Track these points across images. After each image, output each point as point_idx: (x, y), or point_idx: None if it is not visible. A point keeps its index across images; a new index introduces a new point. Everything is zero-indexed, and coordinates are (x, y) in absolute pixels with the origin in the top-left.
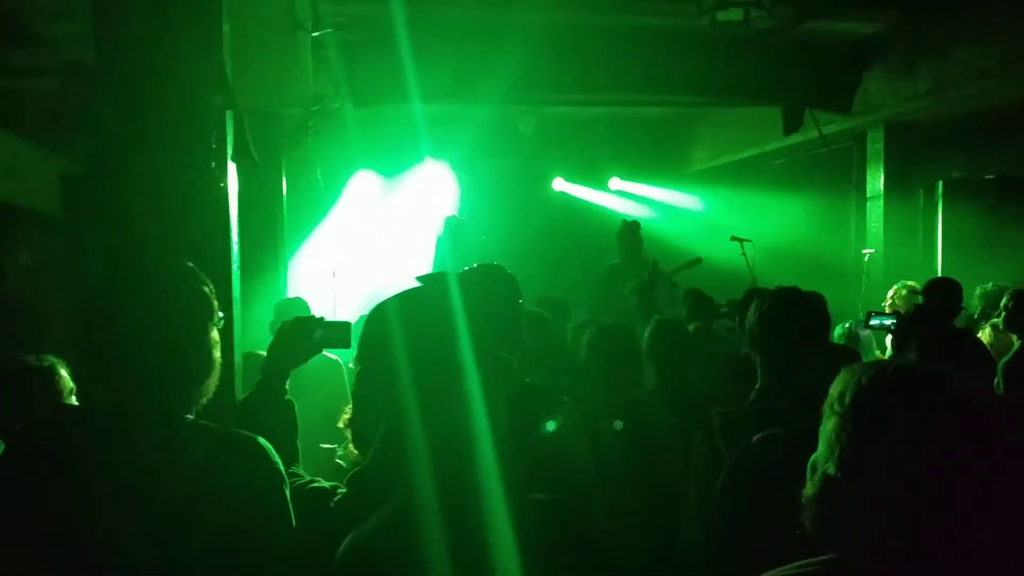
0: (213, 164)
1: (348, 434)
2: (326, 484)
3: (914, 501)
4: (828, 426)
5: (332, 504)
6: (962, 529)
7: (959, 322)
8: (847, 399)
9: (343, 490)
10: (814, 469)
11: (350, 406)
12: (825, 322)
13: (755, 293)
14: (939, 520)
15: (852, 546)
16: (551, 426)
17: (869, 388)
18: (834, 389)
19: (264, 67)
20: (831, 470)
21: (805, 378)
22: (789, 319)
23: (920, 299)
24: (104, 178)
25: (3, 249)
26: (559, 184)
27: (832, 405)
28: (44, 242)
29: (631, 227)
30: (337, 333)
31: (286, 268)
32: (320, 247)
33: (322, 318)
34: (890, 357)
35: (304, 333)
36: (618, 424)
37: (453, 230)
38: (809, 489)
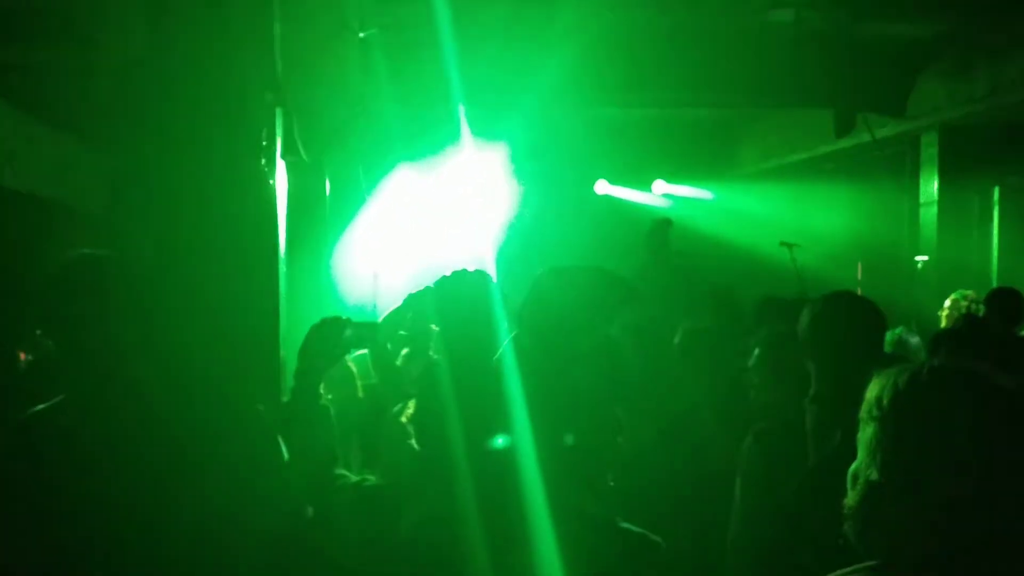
0: (263, 161)
1: (411, 429)
2: (379, 481)
3: (959, 502)
4: (867, 432)
5: (391, 499)
6: (1010, 531)
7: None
8: (885, 402)
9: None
10: (855, 478)
11: (413, 402)
12: (881, 327)
13: (769, 303)
14: (985, 521)
15: (896, 551)
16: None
17: (907, 389)
18: (870, 394)
19: (311, 67)
20: (874, 476)
21: (861, 385)
22: (844, 323)
23: (981, 308)
24: (154, 175)
25: (48, 247)
26: (602, 187)
27: (870, 411)
28: (90, 240)
29: (662, 225)
30: (366, 332)
31: (328, 268)
32: (362, 246)
33: (349, 318)
34: None
35: (333, 334)
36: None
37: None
38: (851, 499)
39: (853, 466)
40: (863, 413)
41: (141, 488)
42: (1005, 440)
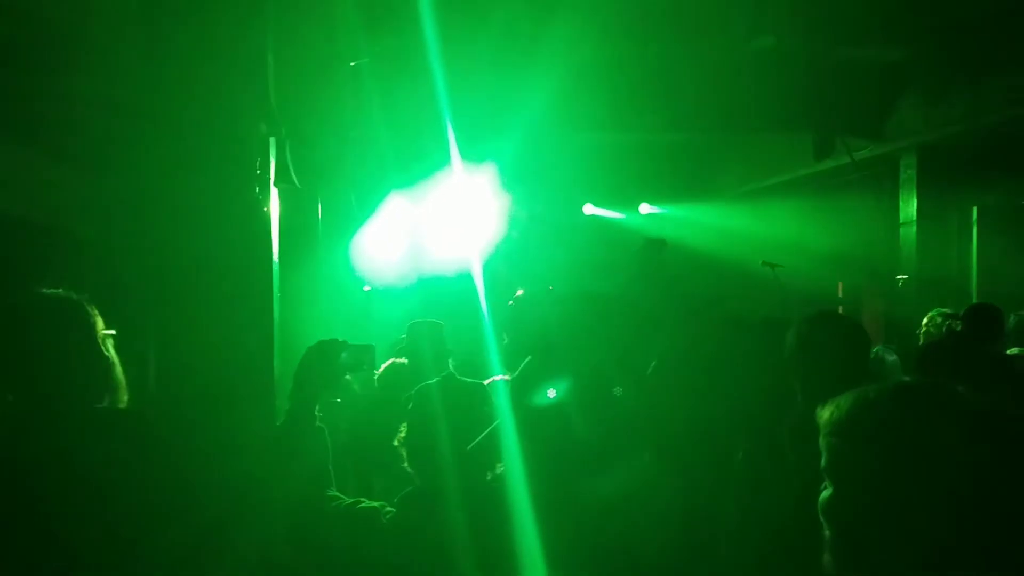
0: (257, 189)
1: (404, 452)
2: (374, 504)
3: (929, 521)
4: (840, 458)
5: (384, 523)
6: (980, 549)
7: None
8: (849, 422)
9: (391, 509)
10: (828, 512)
11: (405, 425)
12: (866, 346)
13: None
14: (951, 540)
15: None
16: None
17: (873, 407)
18: (830, 416)
19: (304, 97)
20: (839, 497)
21: None
22: (830, 343)
23: (958, 325)
24: (149, 203)
25: (39, 276)
26: (589, 209)
27: (836, 432)
28: (81, 269)
29: (655, 247)
30: (363, 355)
31: (322, 291)
32: (355, 269)
33: (346, 341)
34: None
35: (329, 357)
36: (618, 390)
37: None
38: (829, 531)
39: (823, 497)
40: (830, 439)
41: (101, 518)
42: (973, 457)
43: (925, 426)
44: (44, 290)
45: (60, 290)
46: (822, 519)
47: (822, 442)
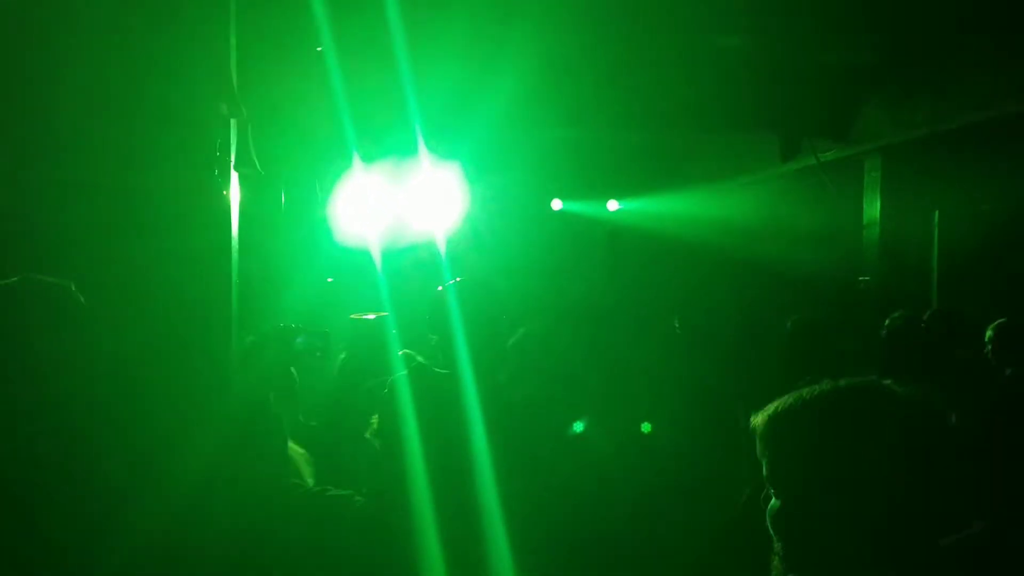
0: (216, 172)
1: (376, 442)
2: (342, 492)
3: (874, 522)
4: (779, 465)
5: (353, 512)
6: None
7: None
8: (793, 426)
9: (359, 498)
10: (775, 520)
11: (376, 417)
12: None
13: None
14: (897, 542)
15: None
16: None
17: (804, 411)
18: (765, 422)
19: (267, 79)
20: (788, 507)
21: None
22: (834, 340)
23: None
24: (104, 186)
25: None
26: (557, 205)
27: (776, 438)
28: (33, 255)
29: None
30: (318, 341)
31: (282, 278)
32: (317, 256)
33: (300, 327)
34: None
35: (283, 342)
36: (646, 426)
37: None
38: (776, 538)
39: (771, 507)
40: (767, 444)
41: (58, 506)
42: (910, 455)
43: (858, 427)
44: (35, 276)
45: (48, 277)
46: (769, 527)
47: (759, 450)
